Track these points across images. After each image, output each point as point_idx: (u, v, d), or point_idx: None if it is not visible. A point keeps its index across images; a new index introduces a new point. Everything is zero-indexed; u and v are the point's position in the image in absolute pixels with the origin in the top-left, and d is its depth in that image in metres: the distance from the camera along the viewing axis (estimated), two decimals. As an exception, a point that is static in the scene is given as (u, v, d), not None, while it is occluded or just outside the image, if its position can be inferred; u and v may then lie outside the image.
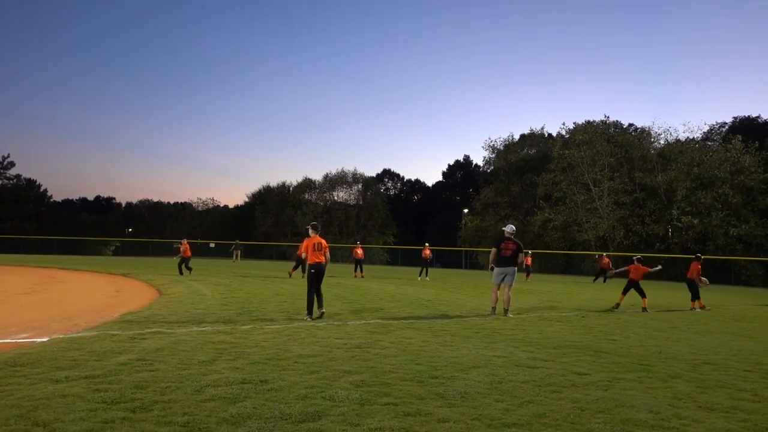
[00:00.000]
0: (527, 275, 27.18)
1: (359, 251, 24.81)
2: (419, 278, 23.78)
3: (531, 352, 6.64)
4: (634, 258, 14.40)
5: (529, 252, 28.41)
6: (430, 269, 25.43)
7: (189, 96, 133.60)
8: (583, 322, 10.31)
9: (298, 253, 21.41)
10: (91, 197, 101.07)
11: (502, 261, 10.89)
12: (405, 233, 64.60)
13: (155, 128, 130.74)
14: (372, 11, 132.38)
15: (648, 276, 14.28)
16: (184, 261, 20.68)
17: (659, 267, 15.23)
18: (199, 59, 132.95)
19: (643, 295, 13.48)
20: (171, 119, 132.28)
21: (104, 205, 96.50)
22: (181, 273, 20.13)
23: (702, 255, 15.56)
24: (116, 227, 72.89)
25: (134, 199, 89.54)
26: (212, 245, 56.78)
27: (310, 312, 9.10)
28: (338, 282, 19.39)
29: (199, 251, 41.38)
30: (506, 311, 10.66)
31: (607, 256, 30.62)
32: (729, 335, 9.30)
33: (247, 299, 12.03)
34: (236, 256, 38.74)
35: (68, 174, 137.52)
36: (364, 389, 4.54)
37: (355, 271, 24.07)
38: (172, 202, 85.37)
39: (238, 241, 40.19)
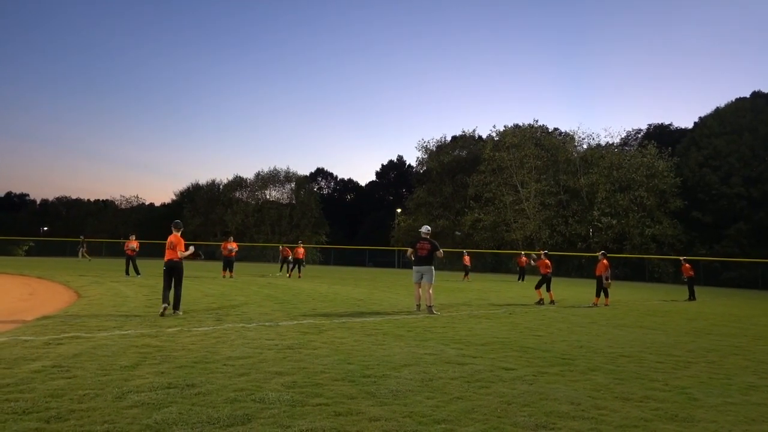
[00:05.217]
0: (466, 275, 26.96)
1: (301, 250, 24.41)
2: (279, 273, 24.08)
3: (460, 349, 6.79)
4: (542, 253, 15.27)
5: (465, 251, 28.87)
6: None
7: (109, 91, 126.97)
8: (511, 319, 10.66)
9: (224, 251, 20.94)
10: (1, 194, 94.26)
11: (418, 260, 11.38)
12: (338, 233, 64.40)
13: (74, 122, 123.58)
14: (304, 10, 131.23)
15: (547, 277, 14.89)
16: (131, 259, 19.67)
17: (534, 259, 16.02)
18: (120, 53, 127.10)
19: (548, 289, 14.50)
20: (90, 114, 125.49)
21: (16, 202, 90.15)
22: (127, 273, 19.34)
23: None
24: (30, 226, 68.28)
25: (50, 196, 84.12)
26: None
27: (164, 300, 9.43)
28: (270, 282, 19.08)
29: (122, 251, 38.92)
30: (430, 308, 10.95)
31: (526, 255, 31.19)
32: (643, 329, 9.90)
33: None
34: (81, 253, 33.97)
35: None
36: (295, 390, 4.49)
37: (291, 270, 23.79)
38: (92, 199, 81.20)
39: (83, 238, 36.21)
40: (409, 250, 11.77)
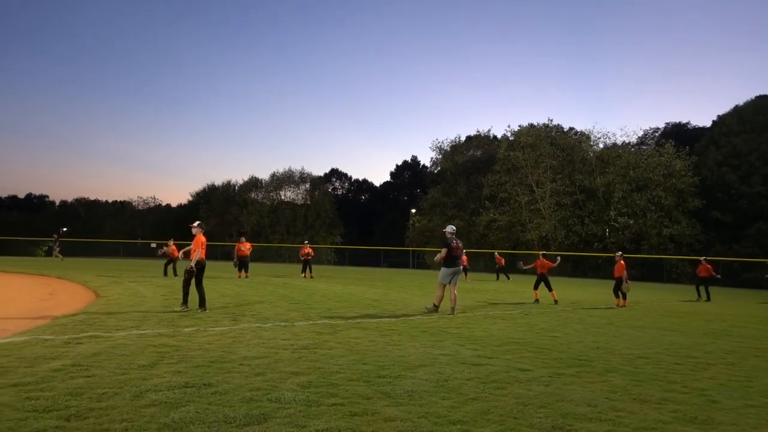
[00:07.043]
0: (465, 274, 27.23)
1: (308, 250, 24.19)
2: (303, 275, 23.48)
3: (476, 350, 6.76)
4: (540, 254, 15.21)
5: (464, 252, 28.80)
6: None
7: (126, 93, 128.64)
8: (526, 319, 10.60)
9: (237, 252, 21.02)
10: (21, 195, 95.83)
11: (454, 261, 11.12)
12: (352, 233, 64.47)
13: (91, 124, 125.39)
14: (318, 10, 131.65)
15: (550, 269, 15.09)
16: (171, 262, 20.29)
17: (558, 259, 16.10)
18: (136, 54, 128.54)
19: (550, 288, 14.43)
20: (108, 116, 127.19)
21: (36, 204, 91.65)
22: (165, 274, 19.87)
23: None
24: (49, 226, 69.28)
25: (69, 198, 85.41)
26: (153, 245, 54.78)
27: (185, 302, 10.17)
28: (285, 282, 19.16)
29: (139, 252, 39.44)
30: (453, 309, 10.91)
31: (500, 254, 30.86)
32: (661, 330, 9.78)
33: (191, 300, 11.68)
34: (55, 252, 34.13)
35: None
36: (311, 390, 4.51)
37: (303, 271, 23.74)
38: (110, 200, 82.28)
39: (57, 237, 36.16)
40: (444, 251, 11.03)
